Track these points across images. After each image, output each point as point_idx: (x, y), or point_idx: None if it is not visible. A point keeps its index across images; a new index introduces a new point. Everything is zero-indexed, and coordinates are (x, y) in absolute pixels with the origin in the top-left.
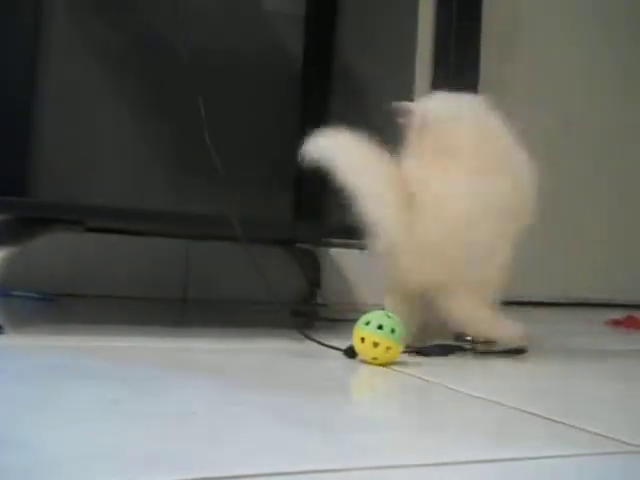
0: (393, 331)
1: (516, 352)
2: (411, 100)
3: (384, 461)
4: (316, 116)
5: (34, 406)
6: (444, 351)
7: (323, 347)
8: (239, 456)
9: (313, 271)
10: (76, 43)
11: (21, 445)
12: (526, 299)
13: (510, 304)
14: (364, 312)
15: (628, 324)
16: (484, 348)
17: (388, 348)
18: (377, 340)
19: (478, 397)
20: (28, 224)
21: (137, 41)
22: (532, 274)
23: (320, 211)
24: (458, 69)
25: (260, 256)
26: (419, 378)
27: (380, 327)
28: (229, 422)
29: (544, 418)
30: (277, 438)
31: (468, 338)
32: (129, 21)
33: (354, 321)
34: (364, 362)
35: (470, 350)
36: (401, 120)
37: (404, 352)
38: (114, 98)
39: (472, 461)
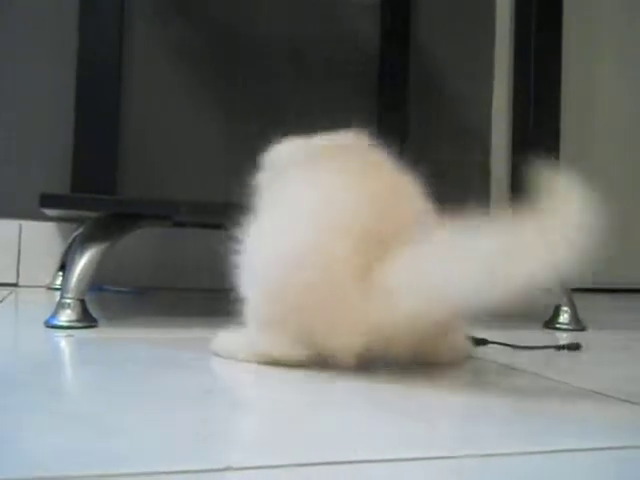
0: None
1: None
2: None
3: (478, 449)
4: (394, 104)
5: (130, 396)
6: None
7: None
8: (334, 443)
9: None
10: (158, 46)
11: (119, 433)
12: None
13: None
14: None
15: None
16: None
17: None
18: None
19: (566, 384)
20: (118, 221)
21: (216, 38)
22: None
23: None
24: (539, 48)
25: None
26: (501, 364)
27: None
28: (321, 410)
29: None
30: (365, 426)
31: None
32: (208, 18)
33: None
34: None
35: None
36: None
37: None
38: (196, 97)
39: (563, 450)
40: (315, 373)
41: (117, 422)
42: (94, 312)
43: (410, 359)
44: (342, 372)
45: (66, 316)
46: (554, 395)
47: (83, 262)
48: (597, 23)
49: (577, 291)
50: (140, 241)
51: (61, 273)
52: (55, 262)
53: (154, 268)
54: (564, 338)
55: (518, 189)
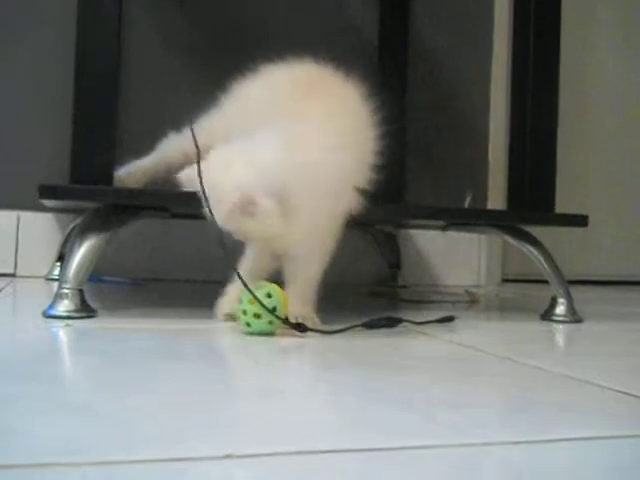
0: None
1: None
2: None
3: (471, 439)
4: (393, 95)
5: (129, 385)
6: (391, 323)
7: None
8: (328, 431)
9: (393, 253)
10: (157, 36)
11: (118, 422)
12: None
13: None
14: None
15: None
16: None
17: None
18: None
19: (561, 374)
20: (117, 212)
21: (215, 29)
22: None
23: (398, 193)
24: (538, 38)
25: (339, 239)
26: (496, 356)
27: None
28: (318, 399)
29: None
30: (365, 415)
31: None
32: (208, 9)
33: (434, 302)
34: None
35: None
36: None
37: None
38: (196, 88)
39: (562, 439)
40: (315, 362)
41: (116, 411)
42: (92, 302)
43: None
44: (339, 361)
45: (64, 306)
46: (551, 386)
47: (82, 252)
48: (597, 7)
49: (574, 283)
50: (138, 232)
51: (59, 264)
52: (53, 253)
53: (152, 259)
54: (558, 330)
55: (516, 178)
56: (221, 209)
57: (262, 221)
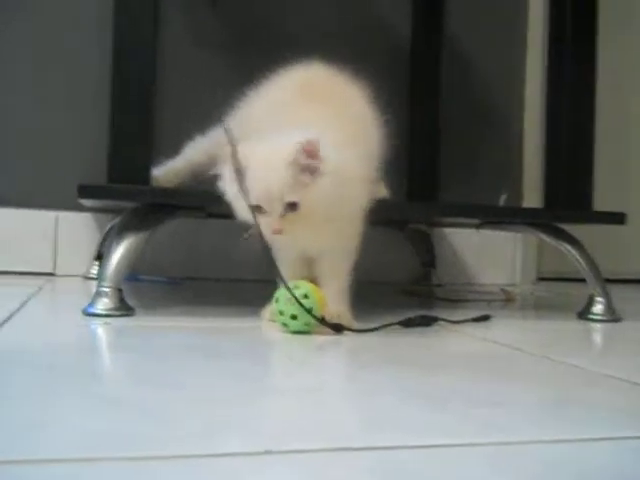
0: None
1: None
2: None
3: (508, 437)
4: (426, 95)
5: (169, 381)
6: (427, 321)
7: (446, 324)
8: (363, 429)
9: (427, 252)
10: (193, 37)
11: (159, 417)
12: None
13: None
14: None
15: None
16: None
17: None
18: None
19: (599, 373)
20: (155, 211)
21: (248, 30)
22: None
23: (433, 191)
24: (574, 35)
25: (374, 238)
26: (533, 354)
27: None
28: (354, 397)
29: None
30: (400, 413)
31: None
32: (240, 7)
33: (470, 301)
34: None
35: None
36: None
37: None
38: (233, 88)
39: (600, 438)
40: (351, 360)
41: (157, 407)
42: (130, 301)
43: None
44: (375, 359)
45: (103, 304)
46: (589, 385)
47: (120, 252)
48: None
49: (612, 282)
50: (175, 231)
51: (97, 263)
52: (91, 252)
53: (188, 258)
54: (596, 329)
55: (552, 176)
56: (278, 168)
57: (320, 184)
